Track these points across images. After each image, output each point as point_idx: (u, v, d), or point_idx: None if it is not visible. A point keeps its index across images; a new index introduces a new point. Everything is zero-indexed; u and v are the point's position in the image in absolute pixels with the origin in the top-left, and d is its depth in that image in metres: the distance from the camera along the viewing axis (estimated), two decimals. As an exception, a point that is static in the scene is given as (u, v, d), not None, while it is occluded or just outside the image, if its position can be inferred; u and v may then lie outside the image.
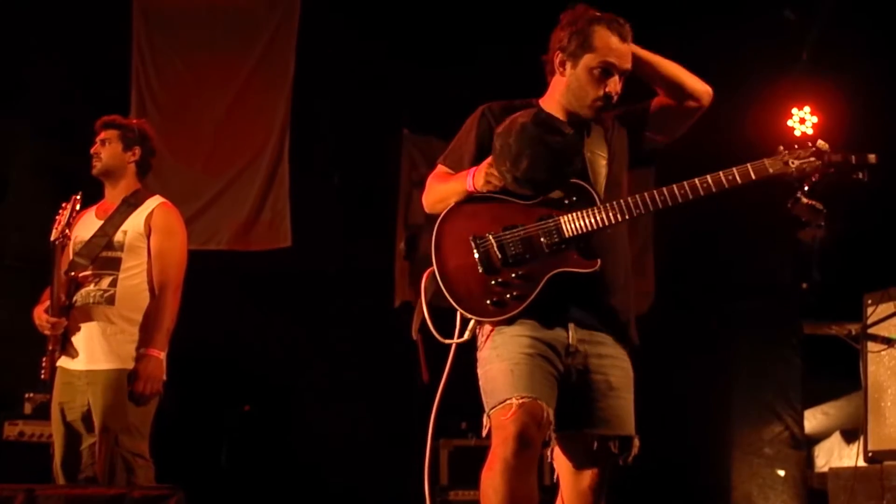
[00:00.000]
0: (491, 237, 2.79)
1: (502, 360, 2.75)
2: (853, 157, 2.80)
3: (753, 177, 2.77)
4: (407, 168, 7.00)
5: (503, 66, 5.75)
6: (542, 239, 2.78)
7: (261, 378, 6.40)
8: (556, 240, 2.78)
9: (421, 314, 2.87)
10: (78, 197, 4.05)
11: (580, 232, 2.77)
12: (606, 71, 2.86)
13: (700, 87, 2.97)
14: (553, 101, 2.97)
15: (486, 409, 2.76)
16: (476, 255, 2.78)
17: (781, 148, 2.83)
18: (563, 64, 2.91)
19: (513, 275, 2.76)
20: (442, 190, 2.93)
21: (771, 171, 2.79)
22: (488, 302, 2.75)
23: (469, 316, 2.79)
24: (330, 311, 6.70)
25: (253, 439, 6.33)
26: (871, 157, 2.78)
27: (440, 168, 3.01)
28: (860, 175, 2.79)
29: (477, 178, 2.82)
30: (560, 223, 2.79)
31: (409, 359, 6.38)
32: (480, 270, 2.77)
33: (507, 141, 2.72)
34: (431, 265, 2.83)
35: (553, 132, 2.73)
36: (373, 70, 6.68)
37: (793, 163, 2.79)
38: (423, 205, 3.01)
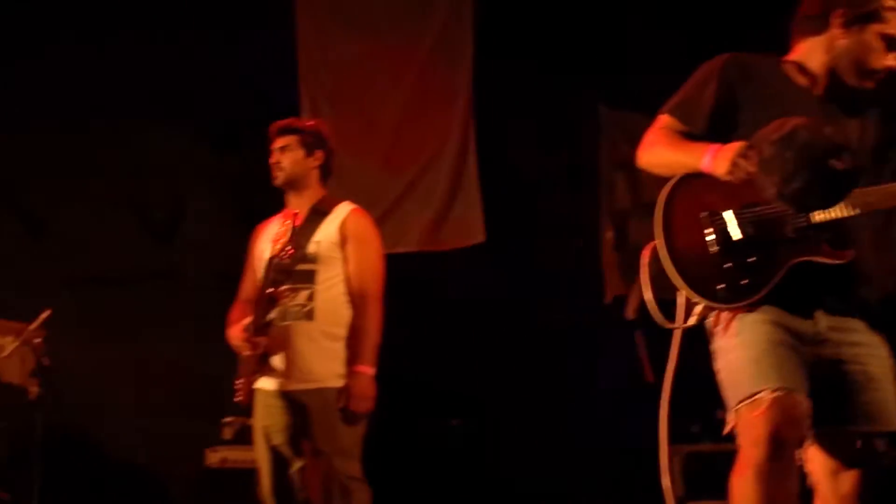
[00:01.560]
0: (729, 215, 2.80)
1: (746, 347, 2.77)
2: None
3: None
4: (607, 149, 6.97)
5: (713, 30, 5.73)
6: (787, 221, 2.79)
7: (460, 391, 6.57)
8: (804, 224, 2.79)
9: (639, 293, 2.91)
10: (298, 212, 4.27)
11: (830, 218, 2.78)
12: (893, 43, 2.94)
13: None
14: (815, 60, 3.00)
15: (732, 405, 2.78)
16: (711, 234, 2.78)
17: None
18: (849, 24, 2.94)
19: (751, 259, 2.77)
20: (668, 157, 2.96)
21: None
22: (720, 286, 2.77)
23: (698, 300, 2.81)
24: (530, 310, 6.75)
25: (457, 455, 6.50)
26: None
27: (666, 120, 3.02)
28: None
29: (718, 163, 2.80)
30: None
31: (627, 358, 6.39)
32: (715, 251, 2.78)
33: (783, 153, 2.70)
34: (654, 240, 2.83)
35: (838, 156, 2.70)
36: (561, 40, 6.69)
37: None
38: (638, 157, 3.05)
